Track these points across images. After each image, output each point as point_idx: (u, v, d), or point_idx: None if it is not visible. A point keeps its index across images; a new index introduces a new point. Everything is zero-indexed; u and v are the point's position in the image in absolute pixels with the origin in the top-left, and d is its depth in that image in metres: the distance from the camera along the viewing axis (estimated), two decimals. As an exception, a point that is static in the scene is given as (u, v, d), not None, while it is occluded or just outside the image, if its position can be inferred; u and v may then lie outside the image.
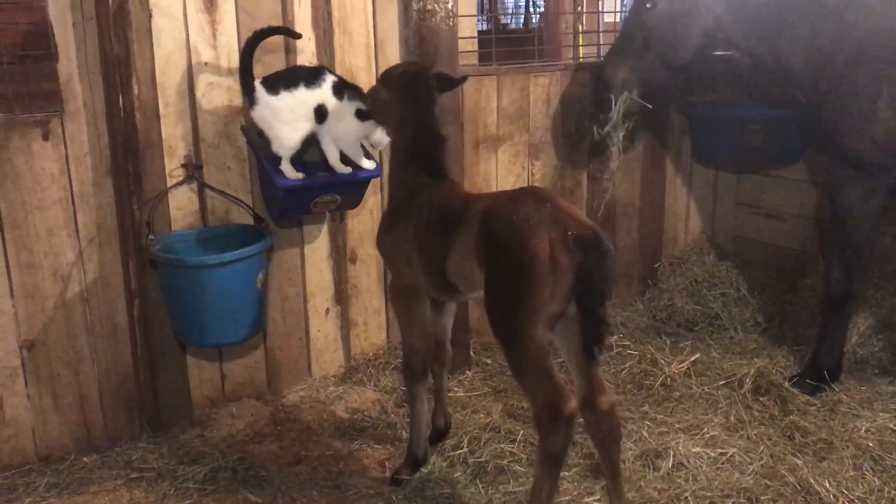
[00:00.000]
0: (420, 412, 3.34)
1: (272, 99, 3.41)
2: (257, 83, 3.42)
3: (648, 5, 4.04)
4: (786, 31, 3.78)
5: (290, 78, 3.47)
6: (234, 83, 3.62)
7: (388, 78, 3.27)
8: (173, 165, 3.58)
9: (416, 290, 3.18)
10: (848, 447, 3.39)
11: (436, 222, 2.96)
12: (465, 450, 3.46)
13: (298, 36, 3.59)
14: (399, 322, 3.38)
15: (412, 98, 3.14)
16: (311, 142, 3.61)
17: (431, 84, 3.15)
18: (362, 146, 3.71)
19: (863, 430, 3.50)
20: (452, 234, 2.86)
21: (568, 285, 2.56)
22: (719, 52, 4.30)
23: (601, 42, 5.61)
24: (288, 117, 3.44)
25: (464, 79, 3.32)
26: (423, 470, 3.36)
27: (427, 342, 3.30)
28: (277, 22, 3.66)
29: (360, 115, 3.55)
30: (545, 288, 2.55)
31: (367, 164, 3.65)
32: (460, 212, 2.89)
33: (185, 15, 3.48)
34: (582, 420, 2.79)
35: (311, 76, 3.49)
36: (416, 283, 3.13)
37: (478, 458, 3.41)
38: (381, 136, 3.63)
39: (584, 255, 2.55)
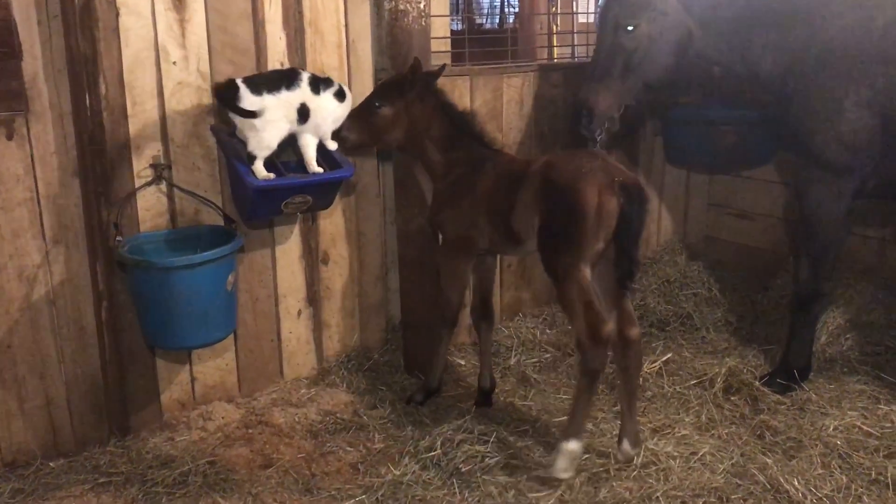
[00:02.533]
0: (441, 351, 3.95)
1: (257, 100, 3.38)
2: (239, 82, 3.39)
3: (630, 27, 3.90)
4: (756, 38, 3.81)
5: (271, 81, 3.46)
6: (203, 83, 3.58)
7: (383, 95, 3.66)
8: (141, 166, 3.53)
9: (465, 251, 3.68)
10: (817, 445, 3.43)
11: (502, 184, 3.45)
12: (439, 451, 3.45)
13: None
14: (442, 279, 3.82)
15: (421, 95, 3.63)
16: (286, 144, 3.61)
17: (426, 79, 3.65)
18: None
19: (831, 429, 3.54)
20: (517, 191, 3.34)
21: (612, 226, 3.03)
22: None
23: (575, 43, 5.63)
24: (272, 117, 3.43)
25: (442, 67, 3.78)
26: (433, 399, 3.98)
27: (462, 298, 3.88)
28: (248, 21, 3.63)
29: (339, 97, 3.63)
30: (592, 228, 3.02)
31: (330, 145, 3.68)
32: (522, 172, 3.38)
33: (153, 13, 3.42)
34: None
35: (289, 78, 3.50)
36: (470, 242, 3.62)
37: (451, 459, 3.40)
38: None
39: (627, 200, 3.02)
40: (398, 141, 3.77)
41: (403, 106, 3.64)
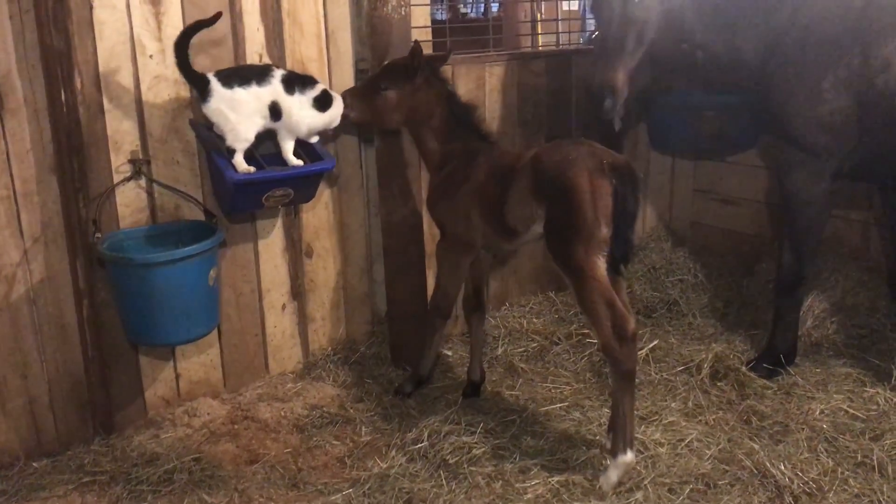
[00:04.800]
0: (435, 341, 3.93)
1: (227, 92, 3.35)
2: (210, 76, 3.36)
3: None
4: (740, 21, 3.78)
5: (243, 75, 3.42)
6: (181, 76, 3.52)
7: (390, 78, 3.59)
8: (120, 161, 3.48)
9: (467, 246, 3.63)
10: (803, 429, 3.44)
11: (494, 177, 3.41)
12: (426, 443, 3.44)
13: (216, 19, 3.34)
14: (441, 272, 3.78)
15: (428, 81, 3.59)
16: (265, 137, 3.57)
17: (433, 65, 3.62)
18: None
19: (817, 412, 3.55)
20: (509, 184, 3.30)
21: (609, 207, 2.98)
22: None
23: (560, 30, 5.61)
24: (245, 110, 3.39)
25: (449, 53, 3.79)
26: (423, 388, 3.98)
27: (458, 291, 3.85)
28: (225, 12, 3.55)
29: (319, 105, 3.53)
30: (591, 213, 2.97)
31: (311, 138, 3.64)
32: (513, 164, 3.35)
33: (127, 6, 3.37)
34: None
35: (260, 74, 3.44)
36: (471, 238, 3.57)
37: (438, 450, 3.39)
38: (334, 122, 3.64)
39: (619, 181, 2.99)
40: (397, 124, 3.74)
41: (409, 91, 3.57)
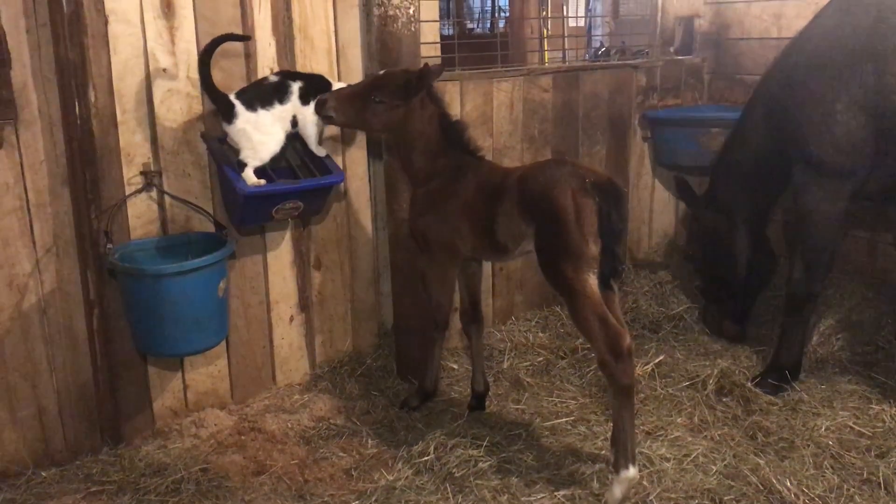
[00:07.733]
0: (436, 354, 3.94)
1: (252, 115, 3.45)
2: (234, 98, 3.45)
3: None
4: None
5: (263, 95, 3.52)
6: (193, 90, 3.58)
7: (386, 92, 3.48)
8: (132, 173, 3.52)
9: (452, 256, 3.63)
10: (809, 446, 3.44)
11: (482, 195, 3.42)
12: (432, 456, 3.44)
13: (248, 38, 3.55)
14: (430, 285, 3.78)
15: (422, 102, 3.51)
16: (281, 155, 3.67)
17: (429, 83, 3.53)
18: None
19: (823, 429, 3.55)
20: (497, 203, 3.32)
21: (595, 225, 3.00)
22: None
23: (566, 47, 5.66)
24: (269, 130, 3.50)
25: (441, 68, 3.64)
26: (430, 403, 4.00)
27: (451, 301, 3.87)
28: (237, 28, 3.62)
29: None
30: (576, 232, 2.99)
31: (319, 151, 3.74)
32: (501, 183, 3.36)
33: (142, 21, 3.42)
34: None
35: (280, 91, 3.55)
36: (456, 248, 3.57)
37: (444, 463, 3.40)
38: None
39: (603, 198, 3.01)
40: (383, 134, 3.78)
41: (404, 111, 3.47)
